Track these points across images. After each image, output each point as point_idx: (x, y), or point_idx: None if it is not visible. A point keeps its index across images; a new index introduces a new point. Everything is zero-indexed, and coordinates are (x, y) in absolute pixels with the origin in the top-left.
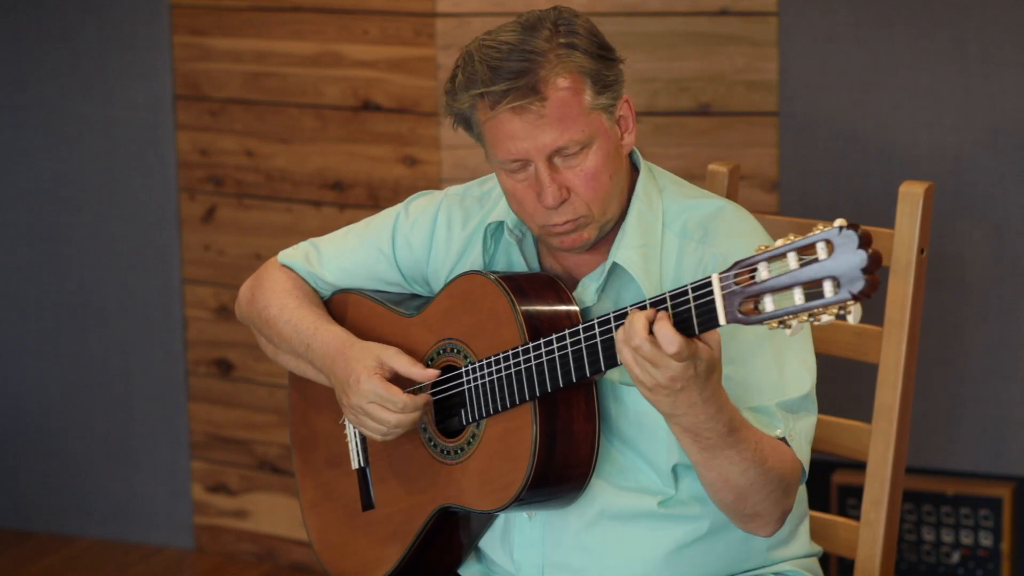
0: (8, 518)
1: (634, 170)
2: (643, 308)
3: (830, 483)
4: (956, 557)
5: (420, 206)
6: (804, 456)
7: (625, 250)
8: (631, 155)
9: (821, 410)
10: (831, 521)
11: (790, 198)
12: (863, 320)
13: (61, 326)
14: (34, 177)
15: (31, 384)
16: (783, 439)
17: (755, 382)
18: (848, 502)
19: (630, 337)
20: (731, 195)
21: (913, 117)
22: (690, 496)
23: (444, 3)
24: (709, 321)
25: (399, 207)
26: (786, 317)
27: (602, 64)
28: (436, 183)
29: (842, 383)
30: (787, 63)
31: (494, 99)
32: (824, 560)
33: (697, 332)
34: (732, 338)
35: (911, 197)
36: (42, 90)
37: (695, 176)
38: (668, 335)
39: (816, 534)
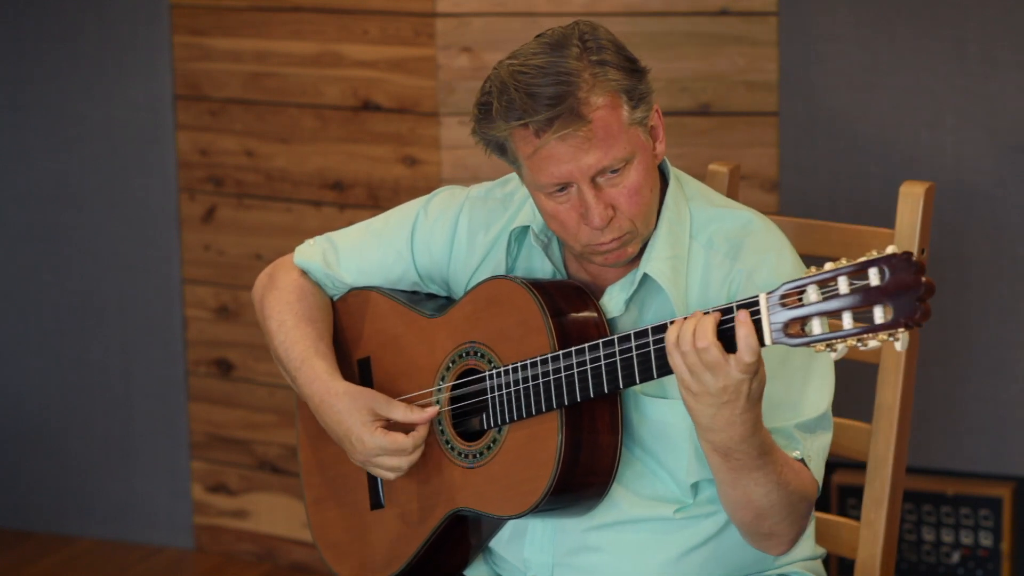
0: (8, 518)
1: (662, 179)
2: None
3: (830, 483)
4: (956, 557)
5: (440, 206)
6: (819, 474)
7: (656, 262)
8: (660, 166)
9: None
10: (831, 521)
11: (790, 198)
12: None
13: (61, 326)
14: (34, 177)
15: (31, 384)
16: (802, 460)
17: (779, 402)
18: (848, 502)
19: (699, 338)
20: (731, 195)
21: (913, 117)
22: (705, 499)
23: (444, 3)
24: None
25: (419, 205)
26: (834, 341)
27: (634, 78)
28: (436, 183)
29: (842, 383)
30: (787, 63)
31: (539, 127)
32: (825, 560)
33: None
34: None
35: (911, 197)
36: (42, 90)
37: (695, 176)
38: (751, 343)
39: (817, 534)
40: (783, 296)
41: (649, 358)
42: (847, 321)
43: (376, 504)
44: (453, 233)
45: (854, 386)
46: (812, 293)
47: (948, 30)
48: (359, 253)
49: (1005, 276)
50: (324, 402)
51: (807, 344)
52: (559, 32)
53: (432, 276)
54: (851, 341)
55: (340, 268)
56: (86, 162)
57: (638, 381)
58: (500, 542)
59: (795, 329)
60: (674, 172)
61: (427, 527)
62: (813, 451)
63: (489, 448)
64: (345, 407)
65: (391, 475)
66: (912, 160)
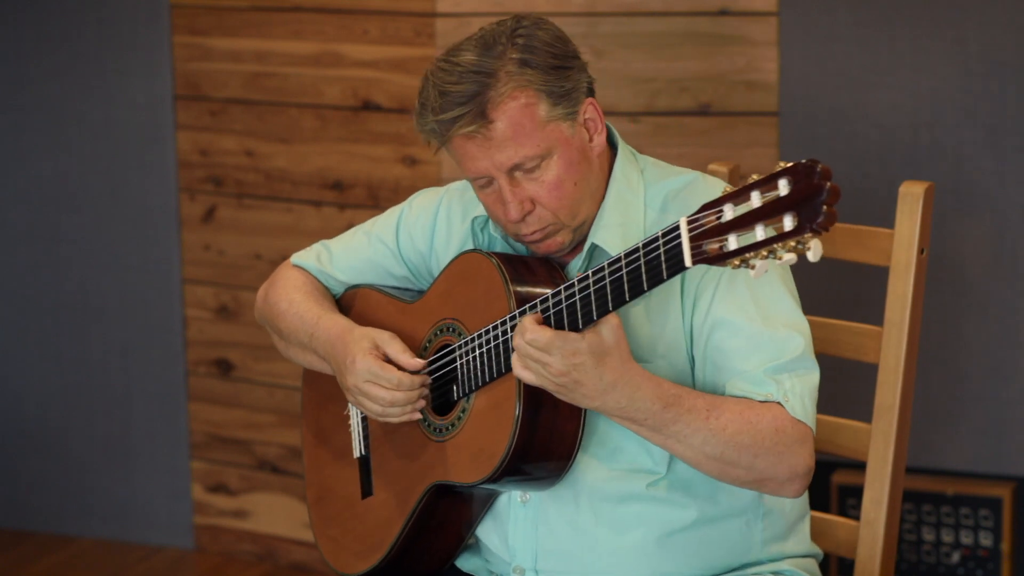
0: (8, 518)
1: (613, 152)
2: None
3: (830, 483)
4: (956, 557)
5: (423, 201)
6: (806, 413)
7: (604, 230)
8: (611, 136)
9: (821, 410)
10: (831, 521)
11: None
12: (863, 320)
13: (61, 326)
14: (34, 177)
15: (31, 384)
16: (776, 402)
17: (744, 350)
18: (848, 502)
19: (516, 335)
20: None
21: (913, 117)
22: (679, 480)
23: (444, 3)
24: (676, 265)
25: (404, 204)
26: (747, 255)
27: (557, 75)
28: (436, 183)
29: (842, 383)
30: (787, 63)
31: (444, 127)
32: (824, 560)
33: (666, 277)
34: (716, 310)
35: (911, 197)
36: (42, 90)
37: None
38: (524, 323)
39: (816, 534)
40: (702, 217)
41: (589, 298)
42: (759, 233)
43: (367, 492)
44: (434, 224)
45: (854, 386)
46: (728, 211)
47: (948, 30)
48: (350, 252)
49: (1005, 276)
50: (339, 338)
51: (723, 261)
52: (494, 29)
53: (419, 269)
54: (764, 252)
55: (333, 267)
56: (86, 162)
57: (580, 326)
58: (487, 532)
59: (713, 248)
60: (626, 146)
61: (408, 507)
62: (794, 392)
63: (459, 419)
64: (354, 339)
65: (374, 411)
66: (912, 160)
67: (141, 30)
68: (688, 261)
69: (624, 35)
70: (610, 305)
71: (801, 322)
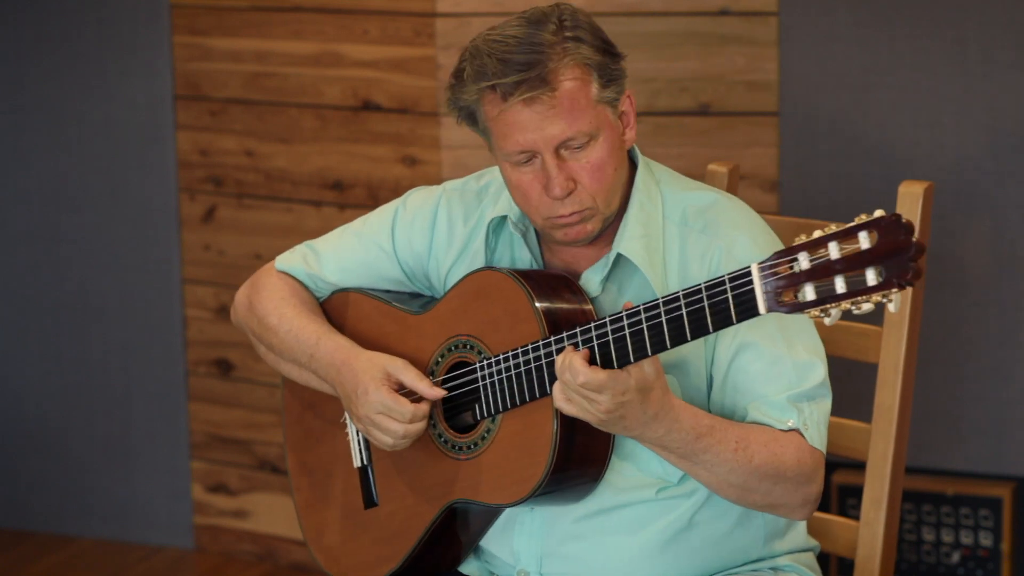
0: (8, 518)
1: (632, 165)
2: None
3: (830, 483)
4: (956, 557)
5: (418, 201)
6: (822, 441)
7: (628, 241)
8: (629, 151)
9: None
10: (831, 521)
11: (790, 198)
12: (862, 320)
13: (61, 326)
14: (34, 177)
15: (31, 384)
16: (796, 430)
17: (767, 374)
18: (848, 502)
19: (564, 372)
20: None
21: (913, 117)
22: (690, 486)
23: (444, 3)
24: (748, 311)
25: (396, 203)
26: (827, 305)
27: (607, 58)
28: (436, 183)
29: (842, 383)
30: (787, 63)
31: (505, 90)
32: (824, 559)
33: (735, 321)
34: (742, 333)
35: (911, 197)
36: (42, 90)
37: (695, 176)
38: (575, 366)
39: (816, 534)
40: (774, 265)
41: (643, 335)
42: (839, 285)
43: (370, 503)
44: (433, 225)
45: (854, 386)
46: (803, 260)
47: (948, 30)
48: (340, 253)
49: (1005, 276)
50: (345, 364)
51: (801, 310)
52: (539, 10)
53: (415, 271)
54: (845, 304)
55: (322, 268)
56: (86, 162)
57: (632, 359)
58: (489, 537)
59: (788, 297)
60: (643, 158)
61: (423, 522)
62: (812, 420)
63: (483, 438)
64: (363, 366)
65: (385, 442)
66: (912, 160)
67: (141, 30)
68: (762, 308)
69: (624, 35)
70: (668, 343)
71: (820, 347)
